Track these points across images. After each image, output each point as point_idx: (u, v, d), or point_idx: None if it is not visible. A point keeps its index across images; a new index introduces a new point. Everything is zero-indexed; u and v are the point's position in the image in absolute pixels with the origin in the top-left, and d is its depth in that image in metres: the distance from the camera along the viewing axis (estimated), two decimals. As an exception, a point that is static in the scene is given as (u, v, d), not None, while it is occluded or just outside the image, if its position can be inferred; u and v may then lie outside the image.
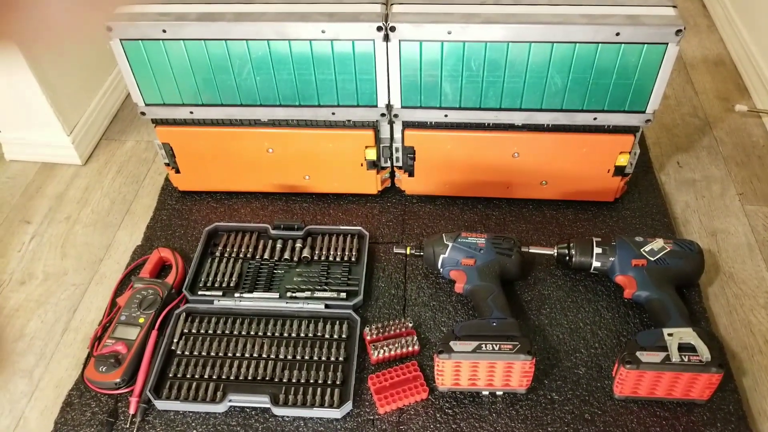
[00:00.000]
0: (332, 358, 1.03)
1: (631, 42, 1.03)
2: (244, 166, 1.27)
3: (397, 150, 1.25)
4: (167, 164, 1.30)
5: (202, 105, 1.18)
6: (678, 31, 1.01)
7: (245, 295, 1.12)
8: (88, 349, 1.08)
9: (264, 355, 1.04)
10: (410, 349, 1.03)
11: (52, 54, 1.40)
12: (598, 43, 1.03)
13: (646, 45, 1.03)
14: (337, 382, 1.00)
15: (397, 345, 1.03)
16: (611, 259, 1.10)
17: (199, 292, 1.13)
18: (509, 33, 1.03)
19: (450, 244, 1.12)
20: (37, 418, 1.03)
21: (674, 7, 1.05)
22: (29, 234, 1.33)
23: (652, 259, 1.08)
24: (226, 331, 1.08)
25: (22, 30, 1.32)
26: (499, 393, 0.99)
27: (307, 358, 1.04)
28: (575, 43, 1.04)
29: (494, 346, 0.93)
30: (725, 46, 1.81)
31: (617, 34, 1.02)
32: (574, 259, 1.12)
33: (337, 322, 1.08)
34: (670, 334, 0.95)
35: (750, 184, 1.39)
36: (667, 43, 1.02)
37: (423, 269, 1.19)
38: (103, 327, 1.10)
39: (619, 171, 1.22)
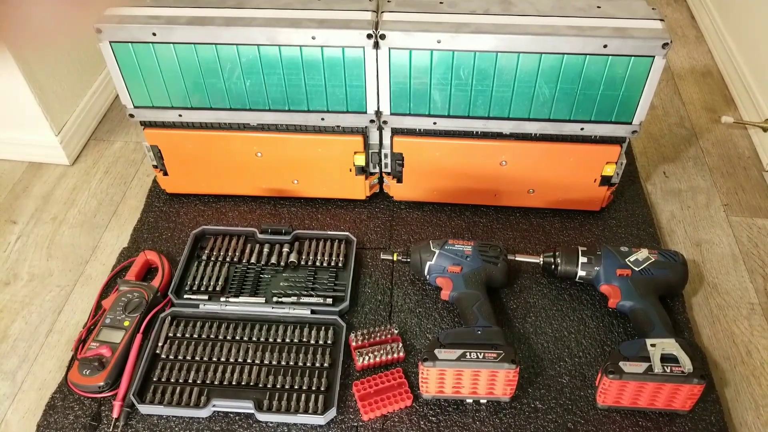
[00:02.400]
0: (317, 364, 1.03)
1: (618, 54, 1.03)
2: (233, 169, 1.27)
3: (385, 156, 1.25)
4: (155, 166, 1.29)
5: (191, 108, 1.17)
6: (665, 45, 1.02)
7: (231, 299, 1.12)
8: (72, 351, 1.08)
9: (249, 361, 1.04)
10: (395, 356, 1.04)
11: (41, 54, 1.40)
12: (586, 54, 1.04)
13: (633, 57, 1.04)
14: (322, 389, 1.00)
15: (382, 352, 1.03)
16: (596, 268, 1.10)
17: (185, 296, 1.13)
18: (498, 43, 1.04)
19: (437, 251, 1.12)
20: (19, 420, 1.02)
21: (662, 20, 1.06)
22: (15, 234, 1.33)
23: (636, 269, 1.09)
24: (211, 336, 1.07)
25: (11, 29, 1.31)
26: (483, 401, 1.00)
27: (292, 363, 1.04)
28: (563, 54, 1.04)
29: (478, 354, 0.94)
30: (713, 58, 1.83)
31: (605, 46, 1.02)
32: (559, 267, 1.13)
33: (323, 328, 1.08)
34: (653, 345, 0.96)
35: (735, 195, 1.40)
36: (654, 56, 1.03)
37: (410, 276, 1.19)
38: (88, 329, 1.09)
39: (606, 181, 1.23)
